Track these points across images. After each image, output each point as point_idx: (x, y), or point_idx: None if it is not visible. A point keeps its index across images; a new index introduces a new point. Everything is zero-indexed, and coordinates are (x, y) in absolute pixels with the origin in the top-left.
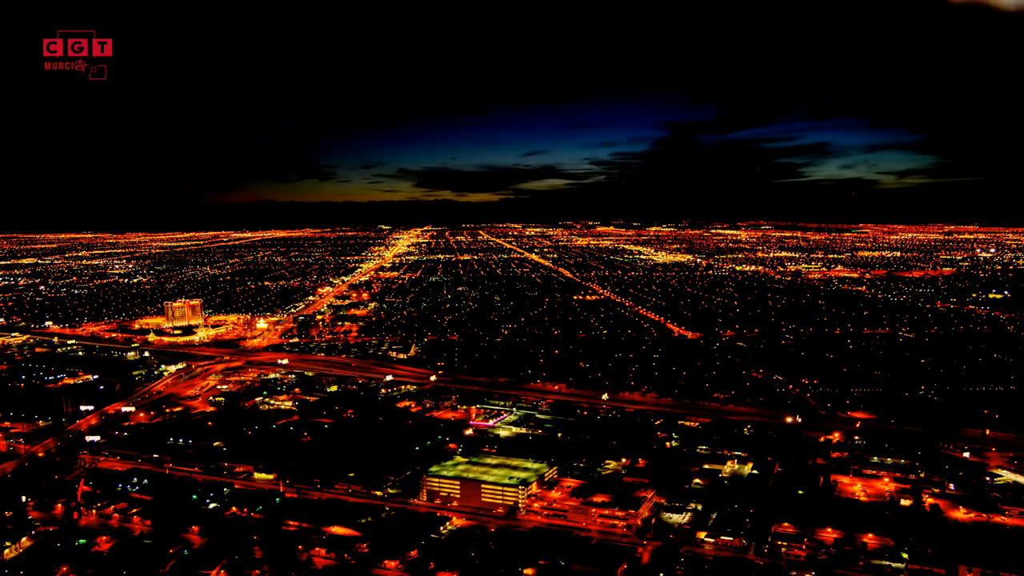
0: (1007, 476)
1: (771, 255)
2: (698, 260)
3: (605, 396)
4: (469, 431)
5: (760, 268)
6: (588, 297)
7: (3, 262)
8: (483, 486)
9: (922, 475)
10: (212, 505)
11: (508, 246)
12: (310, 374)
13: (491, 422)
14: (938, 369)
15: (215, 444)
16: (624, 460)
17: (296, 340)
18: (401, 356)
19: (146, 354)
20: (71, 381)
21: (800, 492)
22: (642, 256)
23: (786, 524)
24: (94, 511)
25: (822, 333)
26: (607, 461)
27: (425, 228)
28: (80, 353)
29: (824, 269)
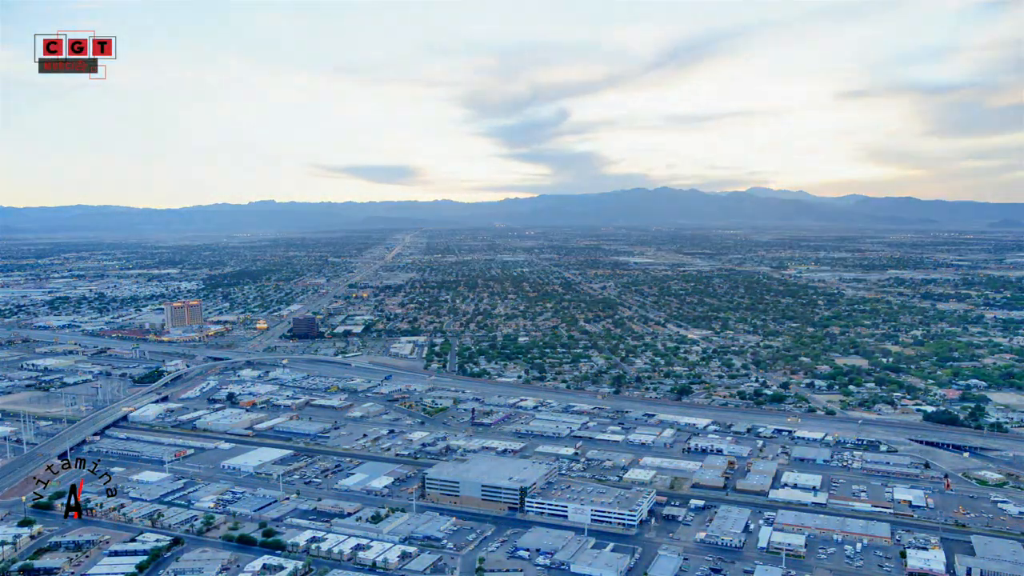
0: (997, 475)
1: (771, 255)
2: (699, 260)
3: (605, 396)
4: (469, 430)
5: (760, 268)
6: (588, 297)
7: (3, 262)
8: (483, 486)
9: (922, 473)
10: (212, 505)
11: (508, 246)
12: (309, 374)
13: (491, 422)
14: (937, 369)
15: (215, 444)
16: (623, 460)
17: (296, 340)
18: (401, 355)
19: (146, 354)
20: (71, 381)
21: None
22: (642, 256)
23: (785, 524)
24: (94, 509)
25: (822, 333)
26: (607, 460)
27: (425, 228)
28: (80, 353)
29: (824, 269)
